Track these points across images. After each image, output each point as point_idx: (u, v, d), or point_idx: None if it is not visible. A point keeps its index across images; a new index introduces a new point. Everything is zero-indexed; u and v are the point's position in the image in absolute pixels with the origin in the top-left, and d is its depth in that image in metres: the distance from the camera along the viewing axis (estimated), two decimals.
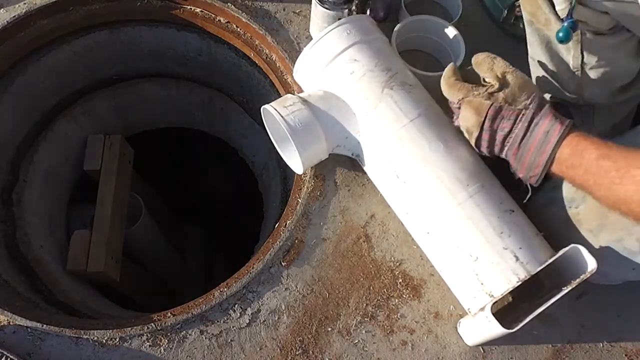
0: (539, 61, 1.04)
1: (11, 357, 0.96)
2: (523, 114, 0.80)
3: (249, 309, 1.01)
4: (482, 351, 1.00)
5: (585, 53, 0.94)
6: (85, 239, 1.42)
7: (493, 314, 0.84)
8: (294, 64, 1.08)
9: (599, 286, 1.02)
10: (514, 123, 0.81)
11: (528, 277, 0.86)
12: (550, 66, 1.02)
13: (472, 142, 0.88)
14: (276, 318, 1.01)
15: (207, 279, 2.20)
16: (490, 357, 1.00)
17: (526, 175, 0.82)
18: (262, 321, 1.01)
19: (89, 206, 1.52)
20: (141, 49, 1.50)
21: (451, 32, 1.19)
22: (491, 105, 0.82)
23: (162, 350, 0.98)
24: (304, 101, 0.99)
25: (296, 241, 1.06)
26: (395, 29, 1.20)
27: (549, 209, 0.96)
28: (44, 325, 0.99)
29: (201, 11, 1.34)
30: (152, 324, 0.99)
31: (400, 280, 1.04)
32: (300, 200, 1.10)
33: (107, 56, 1.49)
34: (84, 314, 1.22)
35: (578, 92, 1.00)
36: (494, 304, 0.86)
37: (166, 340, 0.99)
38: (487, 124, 0.83)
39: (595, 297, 1.04)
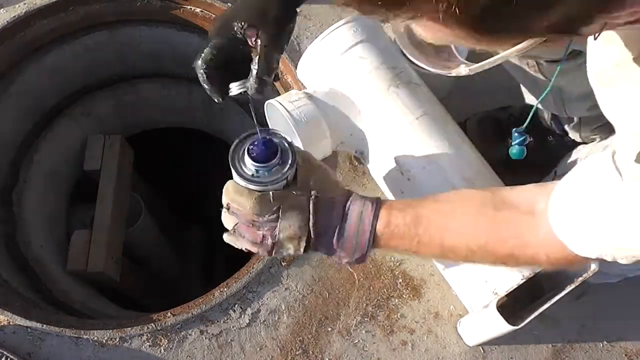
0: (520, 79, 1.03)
1: (11, 357, 0.96)
2: (335, 204, 0.74)
3: (249, 309, 1.01)
4: (482, 351, 1.00)
5: (549, 79, 0.93)
6: (85, 239, 1.42)
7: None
8: (294, 63, 1.08)
9: (599, 286, 1.02)
10: (332, 212, 0.74)
11: (532, 274, 0.86)
12: (526, 86, 1.02)
13: (301, 249, 0.74)
14: (276, 318, 1.01)
15: (207, 279, 2.20)
16: (491, 357, 1.00)
17: (352, 259, 0.75)
18: (262, 321, 1.01)
19: (89, 206, 1.52)
20: (141, 49, 1.49)
21: None
22: (311, 199, 0.73)
23: (162, 350, 0.98)
24: (310, 97, 0.99)
25: None
26: None
27: None
28: (44, 325, 0.99)
29: (201, 11, 1.34)
30: (152, 324, 0.99)
31: (400, 280, 1.04)
32: None
33: (107, 56, 1.49)
34: (84, 314, 1.22)
35: (559, 109, 1.01)
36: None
37: (166, 340, 0.99)
38: (312, 221, 0.73)
39: (595, 297, 1.04)
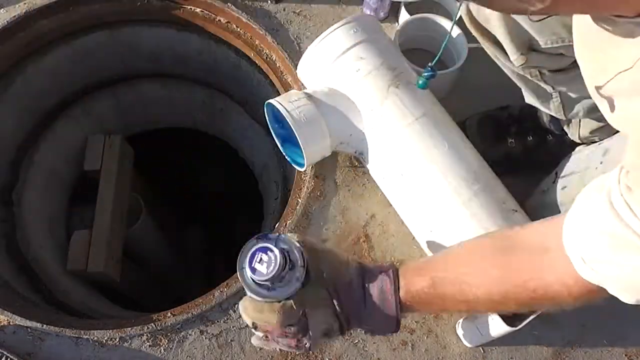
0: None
1: (11, 357, 0.96)
2: (351, 285, 0.74)
3: None
4: (482, 351, 1.00)
5: (552, 86, 0.94)
6: (85, 239, 1.42)
7: None
8: (294, 63, 1.08)
9: None
10: (353, 295, 0.74)
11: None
12: (525, 88, 1.02)
13: (336, 335, 0.76)
14: None
15: (207, 279, 2.20)
16: (490, 357, 1.00)
17: (386, 331, 0.76)
18: None
19: (89, 206, 1.52)
20: (141, 49, 1.49)
21: (454, 30, 1.19)
22: (330, 289, 0.74)
23: (162, 350, 0.98)
24: (309, 97, 0.99)
25: None
26: (398, 27, 1.20)
27: (541, 213, 0.96)
28: (44, 325, 0.99)
29: (201, 11, 1.34)
30: (152, 324, 0.99)
31: None
32: (300, 200, 1.10)
33: (107, 56, 1.49)
34: (84, 314, 1.22)
35: (559, 112, 1.01)
36: None
37: (166, 340, 0.99)
38: (338, 308, 0.73)
39: None
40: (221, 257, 2.35)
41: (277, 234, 0.75)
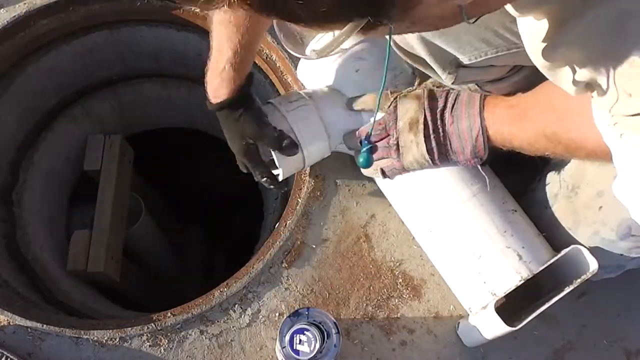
0: None
1: (11, 357, 0.96)
2: (448, 93, 0.82)
3: (249, 309, 1.01)
4: (482, 351, 1.00)
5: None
6: (85, 239, 1.42)
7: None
8: (294, 63, 1.07)
9: (599, 286, 1.01)
10: (444, 99, 0.82)
11: (531, 276, 0.86)
12: None
13: (421, 136, 0.81)
14: (276, 318, 1.01)
15: (207, 279, 2.20)
16: (490, 357, 1.00)
17: (473, 142, 0.79)
18: (262, 321, 1.01)
19: (89, 206, 1.52)
20: (141, 49, 1.49)
21: None
22: (425, 89, 0.84)
23: (162, 350, 0.98)
24: (309, 97, 0.99)
25: (296, 241, 1.06)
26: None
27: (531, 212, 0.97)
28: (44, 325, 0.99)
29: (201, 11, 1.34)
30: (152, 324, 0.99)
31: (401, 280, 1.04)
32: (300, 200, 1.10)
33: (107, 56, 1.49)
34: (84, 314, 1.22)
35: None
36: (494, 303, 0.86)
37: (166, 340, 0.99)
38: (426, 104, 0.82)
39: (595, 297, 1.04)
40: (221, 257, 2.35)
41: (306, 308, 0.85)
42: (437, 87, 0.84)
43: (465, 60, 0.84)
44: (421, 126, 0.80)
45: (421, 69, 0.92)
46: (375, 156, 0.85)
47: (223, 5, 0.38)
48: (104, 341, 0.98)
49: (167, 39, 1.45)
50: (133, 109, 1.69)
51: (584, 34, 0.54)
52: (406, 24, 0.48)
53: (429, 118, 0.80)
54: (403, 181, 0.97)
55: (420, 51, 0.86)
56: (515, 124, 0.77)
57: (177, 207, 2.22)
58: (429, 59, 0.86)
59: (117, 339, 0.98)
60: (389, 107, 0.84)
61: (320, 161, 1.05)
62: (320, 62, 1.03)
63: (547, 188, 0.96)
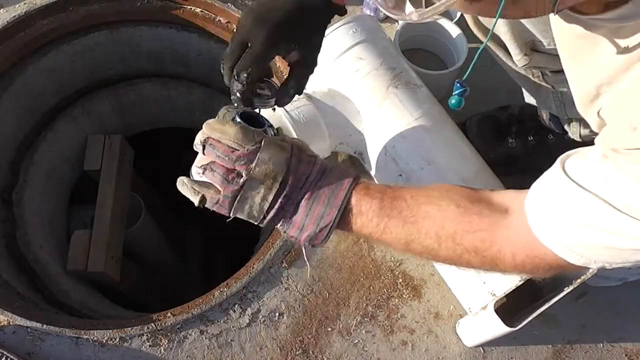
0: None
1: (11, 357, 0.96)
2: (317, 160, 0.73)
3: (249, 309, 1.01)
4: (482, 351, 1.00)
5: (552, 85, 0.95)
6: (85, 239, 1.42)
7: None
8: None
9: (599, 287, 1.02)
10: (312, 167, 0.72)
11: (531, 276, 0.86)
12: (530, 93, 1.04)
13: (271, 195, 0.70)
14: (276, 318, 1.01)
15: (207, 279, 2.20)
16: (490, 357, 1.00)
17: (315, 230, 0.71)
18: (262, 321, 1.01)
19: (89, 206, 1.52)
20: (141, 49, 1.49)
21: (454, 30, 1.19)
22: (292, 144, 0.72)
23: (162, 350, 0.98)
24: (309, 97, 0.99)
25: (296, 242, 1.06)
26: (398, 28, 1.20)
27: None
28: (44, 325, 0.99)
29: (201, 11, 1.34)
30: (152, 324, 0.99)
31: (401, 280, 1.04)
32: None
33: (107, 56, 1.49)
34: (84, 314, 1.22)
35: (560, 110, 1.01)
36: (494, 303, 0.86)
37: (166, 340, 0.99)
38: (293, 162, 0.70)
39: (595, 297, 1.04)
40: (221, 257, 2.35)
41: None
42: (305, 149, 0.73)
43: (545, 44, 0.83)
44: (277, 184, 0.69)
45: (492, 48, 0.91)
46: (205, 176, 0.73)
47: None
48: (104, 341, 0.98)
49: (167, 39, 1.45)
50: (133, 109, 1.69)
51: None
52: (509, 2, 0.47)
53: (289, 181, 0.70)
54: (402, 182, 0.98)
55: (501, 29, 0.85)
56: (398, 217, 0.70)
57: (177, 207, 2.22)
58: (508, 38, 0.85)
59: (117, 339, 0.98)
60: (252, 145, 0.69)
61: None
62: (320, 62, 1.03)
63: None
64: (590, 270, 0.84)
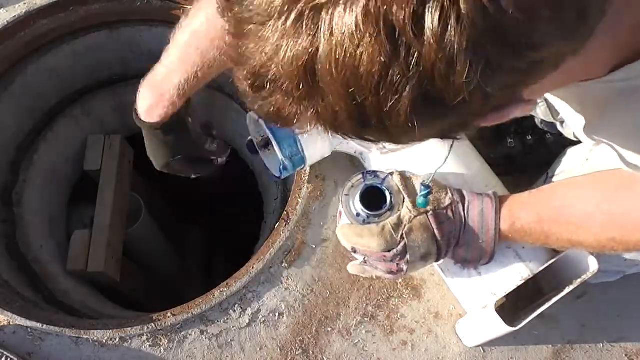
0: None
1: (11, 357, 0.96)
2: (454, 207, 0.78)
3: (249, 309, 1.01)
4: (482, 351, 1.00)
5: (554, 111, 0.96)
6: (85, 239, 1.42)
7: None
8: None
9: (599, 286, 1.02)
10: (454, 221, 0.77)
11: (531, 276, 0.86)
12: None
13: (432, 261, 0.81)
14: (276, 318, 1.01)
15: (207, 279, 2.20)
16: (490, 357, 1.00)
17: (477, 262, 0.81)
18: (262, 321, 1.01)
19: (89, 206, 1.52)
20: (141, 49, 1.49)
21: None
22: (429, 214, 0.77)
23: (162, 350, 0.98)
24: None
25: (296, 241, 1.06)
26: None
27: None
28: (44, 325, 0.99)
29: None
30: (152, 324, 0.99)
31: (400, 280, 1.04)
32: (300, 200, 1.10)
33: (107, 56, 1.49)
34: (84, 314, 1.22)
35: (546, 115, 1.01)
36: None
37: (166, 340, 0.99)
38: (437, 234, 0.77)
39: (595, 297, 1.04)
40: (221, 257, 2.35)
41: (385, 174, 0.84)
42: (436, 202, 0.78)
43: None
44: (434, 256, 0.79)
45: (548, 126, 0.94)
46: (370, 264, 0.81)
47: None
48: (104, 341, 0.98)
49: (167, 39, 1.45)
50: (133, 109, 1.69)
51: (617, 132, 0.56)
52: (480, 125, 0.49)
53: (443, 248, 0.77)
54: None
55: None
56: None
57: (177, 207, 2.22)
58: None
59: (117, 339, 0.98)
60: (397, 245, 0.77)
61: (320, 161, 1.05)
62: None
63: None
64: (591, 270, 0.84)
